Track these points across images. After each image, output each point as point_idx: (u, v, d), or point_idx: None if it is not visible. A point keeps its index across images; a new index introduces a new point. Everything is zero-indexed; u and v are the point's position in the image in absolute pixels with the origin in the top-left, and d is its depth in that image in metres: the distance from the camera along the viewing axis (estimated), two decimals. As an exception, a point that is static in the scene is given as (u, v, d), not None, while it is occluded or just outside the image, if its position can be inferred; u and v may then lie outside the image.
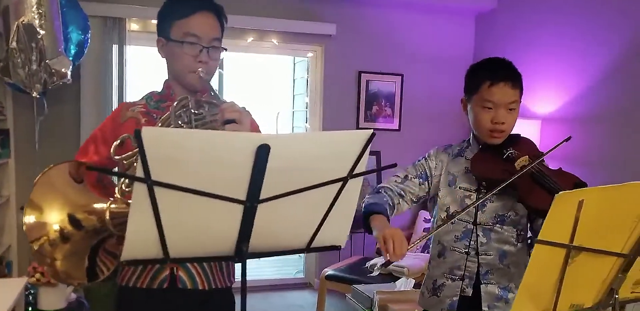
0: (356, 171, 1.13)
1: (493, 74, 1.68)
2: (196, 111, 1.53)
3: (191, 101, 1.53)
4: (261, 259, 4.63)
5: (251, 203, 1.06)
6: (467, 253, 1.73)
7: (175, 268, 1.54)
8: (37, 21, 2.94)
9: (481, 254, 1.72)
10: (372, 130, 1.10)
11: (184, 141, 0.97)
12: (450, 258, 1.75)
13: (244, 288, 1.12)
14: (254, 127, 1.70)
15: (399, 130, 4.93)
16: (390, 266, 3.65)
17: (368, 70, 4.82)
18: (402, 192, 1.80)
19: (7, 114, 3.81)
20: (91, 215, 1.21)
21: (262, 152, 1.01)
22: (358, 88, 4.81)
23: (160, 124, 1.48)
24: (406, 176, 1.83)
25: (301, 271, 4.87)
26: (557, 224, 1.01)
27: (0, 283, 2.61)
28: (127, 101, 1.90)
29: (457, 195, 1.76)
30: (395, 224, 1.60)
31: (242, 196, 1.05)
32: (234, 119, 1.37)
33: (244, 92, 5.96)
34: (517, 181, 1.55)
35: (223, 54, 1.62)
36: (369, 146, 1.11)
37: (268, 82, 6.08)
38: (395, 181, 1.83)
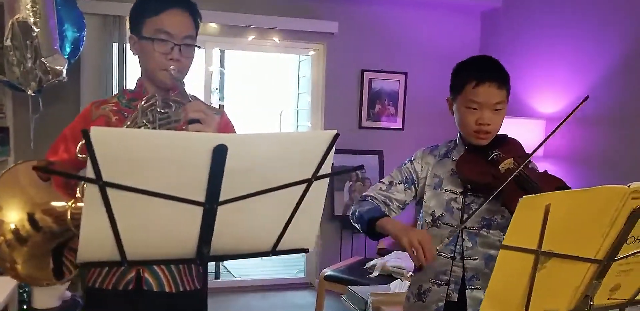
0: (321, 172, 1.09)
1: (478, 74, 1.64)
2: (162, 110, 1.51)
3: (158, 99, 1.51)
4: (262, 258, 4.65)
5: (210, 204, 1.03)
6: (453, 258, 1.69)
7: (141, 270, 1.51)
8: (31, 19, 2.94)
9: (466, 259, 1.68)
10: (335, 131, 1.06)
11: (135, 141, 0.94)
12: (436, 262, 1.72)
13: (205, 291, 1.08)
14: (229, 128, 1.68)
15: (402, 129, 4.88)
16: (390, 267, 3.62)
17: (371, 68, 4.77)
18: (387, 200, 1.76)
19: (7, 112, 3.82)
20: (51, 215, 1.18)
21: (219, 153, 0.98)
22: (361, 87, 4.77)
23: (129, 123, 1.47)
24: (391, 183, 1.80)
25: (302, 271, 4.85)
26: (523, 229, 0.97)
27: (-8, 281, 2.63)
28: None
29: (443, 198, 1.72)
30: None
31: (201, 198, 1.02)
32: (198, 119, 1.34)
33: (247, 91, 5.95)
34: (500, 184, 1.51)
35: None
36: (334, 147, 1.07)
37: (272, 81, 6.07)
38: (380, 188, 1.80)
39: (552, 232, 1.00)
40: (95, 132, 0.90)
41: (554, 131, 1.55)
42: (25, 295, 2.86)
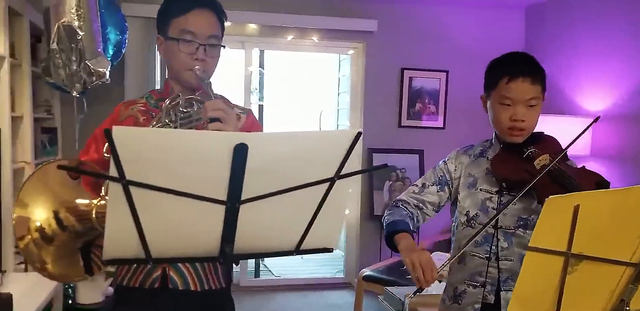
0: (344, 171, 1.08)
1: (511, 69, 1.60)
2: (184, 110, 1.52)
3: (182, 99, 1.52)
4: (303, 257, 4.66)
5: (232, 203, 1.03)
6: (488, 259, 1.65)
7: (167, 268, 1.52)
8: (76, 22, 3.02)
9: (502, 260, 1.63)
10: (359, 129, 1.05)
11: (156, 141, 0.95)
12: (471, 263, 1.68)
13: (228, 289, 1.09)
14: (256, 128, 1.67)
15: (443, 128, 4.81)
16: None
17: (411, 66, 4.72)
18: (420, 204, 1.74)
19: (55, 113, 3.96)
20: (76, 213, 1.21)
21: (240, 152, 0.98)
22: (401, 85, 4.72)
23: (154, 122, 1.49)
24: (424, 185, 1.77)
25: (341, 271, 4.83)
26: (551, 231, 0.94)
27: (38, 276, 2.71)
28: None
29: (478, 198, 1.68)
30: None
31: (223, 197, 1.02)
32: (219, 118, 1.35)
33: (287, 91, 5.97)
34: (536, 181, 1.47)
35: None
36: (355, 146, 1.06)
37: (312, 80, 6.07)
38: (413, 191, 1.77)
39: (582, 234, 0.96)
40: (117, 132, 0.92)
41: (568, 145, 1.53)
42: (70, 290, 2.95)
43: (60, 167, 1.04)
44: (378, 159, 4.54)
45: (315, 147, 1.05)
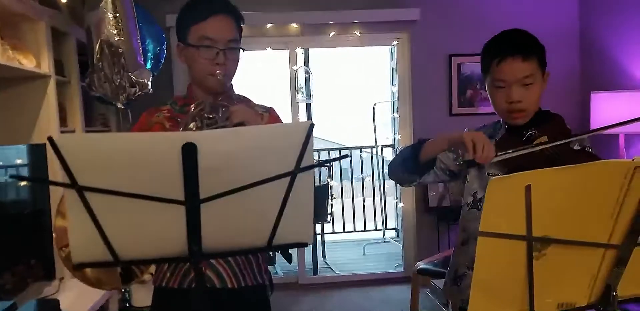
0: (304, 164, 1.06)
1: (499, 50, 1.52)
2: (209, 116, 1.56)
3: (206, 105, 1.56)
4: (365, 254, 4.65)
5: (191, 203, 1.04)
6: None
7: (202, 267, 1.55)
8: (116, 37, 3.15)
9: None
10: (310, 121, 1.04)
11: (102, 145, 0.97)
12: (473, 246, 1.62)
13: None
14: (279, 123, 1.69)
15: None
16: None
17: (459, 52, 4.57)
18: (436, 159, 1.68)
19: (111, 125, 4.15)
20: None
21: (188, 152, 0.99)
22: (449, 72, 4.59)
23: (181, 129, 1.53)
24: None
25: (401, 265, 4.76)
26: (503, 214, 0.88)
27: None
28: None
29: (485, 181, 1.62)
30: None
31: (181, 197, 1.03)
32: (243, 121, 1.39)
33: (336, 87, 5.96)
34: (531, 164, 1.38)
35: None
36: (311, 138, 1.04)
37: (364, 74, 6.02)
38: None
39: (542, 216, 0.89)
40: (62, 140, 0.94)
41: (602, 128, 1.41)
42: (127, 294, 3.09)
43: (12, 176, 1.08)
44: (431, 150, 4.43)
45: (268, 142, 1.04)
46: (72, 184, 0.97)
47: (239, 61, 1.63)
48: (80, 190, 0.98)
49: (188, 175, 1.01)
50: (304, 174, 1.08)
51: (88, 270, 1.43)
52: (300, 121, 4.58)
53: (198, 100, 1.60)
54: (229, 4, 1.61)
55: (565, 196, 0.89)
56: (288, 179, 1.07)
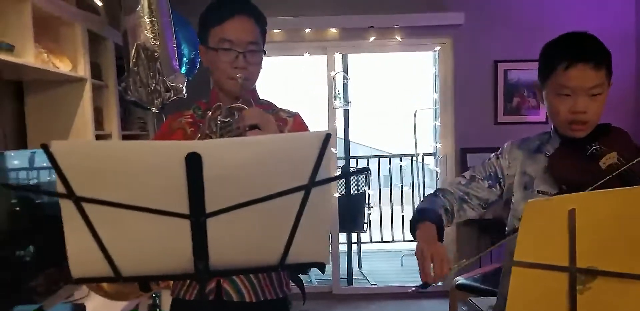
0: (319, 177, 0.97)
1: (569, 54, 1.38)
2: (224, 120, 1.50)
3: (223, 109, 1.51)
4: (402, 265, 4.51)
5: (197, 217, 0.96)
6: None
7: (220, 280, 1.51)
8: (152, 42, 3.14)
9: None
10: (326, 131, 0.94)
11: (100, 153, 0.91)
12: None
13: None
14: (303, 129, 1.62)
15: (546, 122, 4.42)
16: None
17: (505, 58, 4.40)
18: (465, 196, 1.56)
19: (149, 129, 4.15)
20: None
21: (193, 162, 0.91)
22: (495, 79, 4.42)
23: (199, 134, 1.49)
24: (473, 177, 1.59)
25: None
26: (542, 241, 0.76)
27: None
28: None
29: None
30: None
31: (185, 211, 0.96)
32: (257, 125, 1.32)
33: (375, 93, 5.86)
34: (595, 181, 1.24)
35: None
36: (327, 149, 0.95)
37: (406, 80, 5.90)
38: (460, 182, 1.60)
39: (588, 244, 0.77)
40: (57, 145, 0.88)
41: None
42: (157, 299, 3.05)
43: (2, 185, 1.03)
44: (473, 160, 4.27)
45: (281, 153, 0.96)
46: (69, 194, 0.91)
47: (261, 64, 1.57)
48: (78, 201, 0.92)
49: (193, 187, 0.93)
50: (319, 188, 0.99)
51: (106, 286, 1.38)
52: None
53: (215, 105, 1.55)
54: (250, 4, 1.56)
55: (615, 222, 0.77)
56: (302, 193, 0.98)
